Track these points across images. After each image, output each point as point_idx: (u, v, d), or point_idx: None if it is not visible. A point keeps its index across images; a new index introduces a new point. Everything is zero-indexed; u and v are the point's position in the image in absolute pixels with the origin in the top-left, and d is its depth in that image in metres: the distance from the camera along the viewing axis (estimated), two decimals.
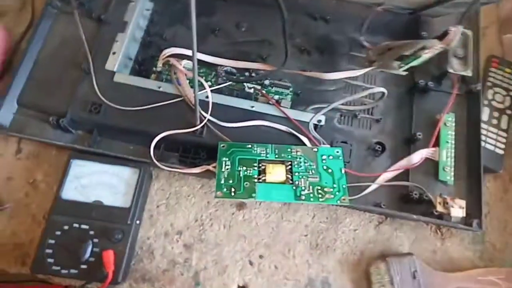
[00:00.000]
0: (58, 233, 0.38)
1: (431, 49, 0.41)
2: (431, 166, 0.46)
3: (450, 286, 0.42)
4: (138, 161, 0.42)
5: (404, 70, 0.42)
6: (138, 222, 0.41)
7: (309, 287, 0.42)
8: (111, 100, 0.44)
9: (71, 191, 0.40)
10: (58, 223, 0.39)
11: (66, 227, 0.39)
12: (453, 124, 0.47)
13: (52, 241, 0.38)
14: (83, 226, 0.39)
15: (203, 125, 0.43)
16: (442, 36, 0.44)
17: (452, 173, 0.45)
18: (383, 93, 0.47)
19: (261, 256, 0.43)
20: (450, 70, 0.48)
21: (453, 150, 0.46)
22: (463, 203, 0.42)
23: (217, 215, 0.45)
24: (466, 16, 0.43)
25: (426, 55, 0.41)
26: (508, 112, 0.51)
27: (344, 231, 0.45)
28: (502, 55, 0.56)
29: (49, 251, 0.38)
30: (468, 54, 0.49)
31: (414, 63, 0.42)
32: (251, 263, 0.43)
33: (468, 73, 0.48)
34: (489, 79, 0.53)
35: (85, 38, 0.47)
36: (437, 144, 0.46)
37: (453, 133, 0.47)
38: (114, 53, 0.47)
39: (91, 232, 0.39)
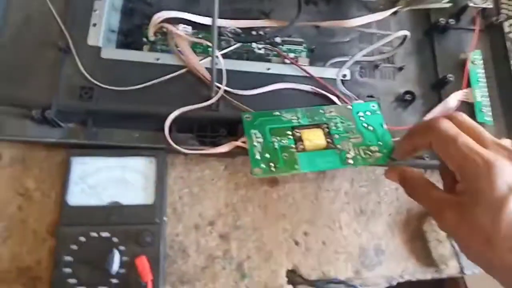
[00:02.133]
0: (74, 247, 0.31)
1: None
2: (466, 109, 0.43)
3: None
4: (152, 148, 0.36)
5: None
6: (165, 218, 0.35)
7: (362, 258, 0.39)
8: (104, 81, 0.37)
9: (78, 195, 0.33)
10: (71, 236, 0.32)
11: (82, 239, 0.32)
12: (481, 62, 0.44)
13: (69, 258, 0.31)
14: (104, 234, 0.32)
15: (219, 97, 0.37)
16: None
17: (490, 113, 0.43)
18: (405, 36, 0.43)
19: (306, 234, 0.39)
20: (470, 4, 0.45)
21: (486, 89, 0.43)
22: (509, 142, 0.39)
23: (249, 196, 0.39)
24: None
25: None
26: None
27: (386, 192, 0.42)
28: None
29: (67, 270, 0.31)
30: None
31: None
32: (296, 243, 0.38)
33: (489, 4, 0.45)
34: (501, 11, 0.50)
35: (54, 10, 0.39)
36: (468, 85, 0.43)
37: (483, 71, 0.44)
38: (94, 24, 0.39)
39: (115, 240, 0.32)
